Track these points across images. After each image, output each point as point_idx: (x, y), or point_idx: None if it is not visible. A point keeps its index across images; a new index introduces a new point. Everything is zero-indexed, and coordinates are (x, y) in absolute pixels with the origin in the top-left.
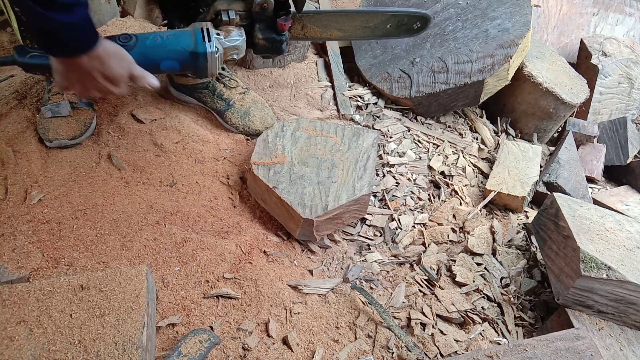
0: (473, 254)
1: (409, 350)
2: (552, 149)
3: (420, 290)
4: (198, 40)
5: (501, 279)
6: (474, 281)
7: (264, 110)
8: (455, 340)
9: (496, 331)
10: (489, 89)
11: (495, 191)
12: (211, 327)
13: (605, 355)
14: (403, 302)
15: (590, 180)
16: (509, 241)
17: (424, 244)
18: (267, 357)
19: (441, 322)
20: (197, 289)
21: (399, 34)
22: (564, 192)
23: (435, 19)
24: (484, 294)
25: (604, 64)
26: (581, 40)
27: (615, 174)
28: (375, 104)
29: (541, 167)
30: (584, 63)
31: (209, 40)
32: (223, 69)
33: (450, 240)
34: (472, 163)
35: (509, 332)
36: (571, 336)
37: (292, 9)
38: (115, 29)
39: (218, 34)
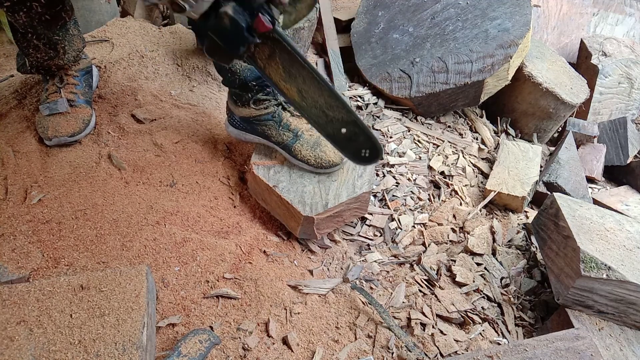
0: (473, 254)
1: (409, 350)
2: (552, 149)
3: (420, 290)
4: None
5: (501, 279)
6: (474, 281)
7: None
8: (455, 340)
9: (496, 331)
10: (489, 89)
11: (495, 191)
12: (211, 327)
13: (605, 355)
14: (403, 302)
15: (590, 180)
16: (509, 241)
17: (424, 244)
18: (267, 357)
19: (441, 322)
20: (197, 289)
21: (343, 148)
22: (564, 192)
23: (436, 19)
24: (484, 294)
25: (604, 64)
26: (581, 40)
27: (615, 174)
28: (375, 104)
29: (541, 167)
30: (584, 63)
31: None
32: None
33: (450, 240)
34: (472, 163)
35: (509, 332)
36: (571, 336)
37: (280, 20)
38: (115, 29)
39: None
